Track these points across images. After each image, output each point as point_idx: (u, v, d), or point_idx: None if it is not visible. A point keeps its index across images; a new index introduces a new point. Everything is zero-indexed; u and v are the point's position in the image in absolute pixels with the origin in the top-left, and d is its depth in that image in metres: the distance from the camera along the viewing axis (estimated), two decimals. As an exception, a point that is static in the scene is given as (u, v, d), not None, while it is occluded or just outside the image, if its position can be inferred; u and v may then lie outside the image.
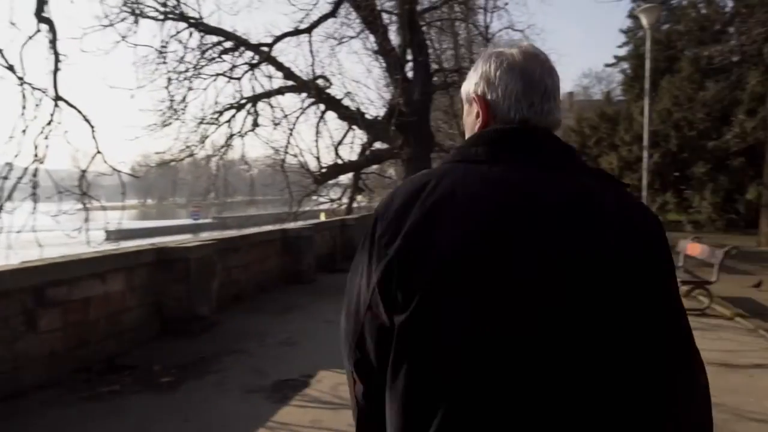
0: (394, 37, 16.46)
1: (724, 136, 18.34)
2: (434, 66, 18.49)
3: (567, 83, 76.73)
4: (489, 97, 1.04)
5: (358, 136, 17.72)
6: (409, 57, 16.67)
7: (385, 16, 16.02)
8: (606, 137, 22.07)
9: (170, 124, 14.46)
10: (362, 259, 1.00)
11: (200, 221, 39.81)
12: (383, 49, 15.87)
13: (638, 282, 0.89)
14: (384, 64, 16.43)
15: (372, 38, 16.26)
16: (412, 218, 0.93)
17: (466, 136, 1.10)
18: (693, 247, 7.53)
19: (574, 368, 0.86)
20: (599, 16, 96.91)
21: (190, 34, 14.04)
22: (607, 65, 62.94)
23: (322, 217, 17.93)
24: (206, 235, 11.89)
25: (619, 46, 59.33)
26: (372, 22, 15.26)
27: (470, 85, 1.09)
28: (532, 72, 1.03)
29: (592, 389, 0.86)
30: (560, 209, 0.91)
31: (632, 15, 63.17)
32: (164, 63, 13.67)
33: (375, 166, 20.49)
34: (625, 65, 60.47)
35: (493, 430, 0.85)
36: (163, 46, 13.43)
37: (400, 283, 0.91)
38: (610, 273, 0.87)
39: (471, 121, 1.09)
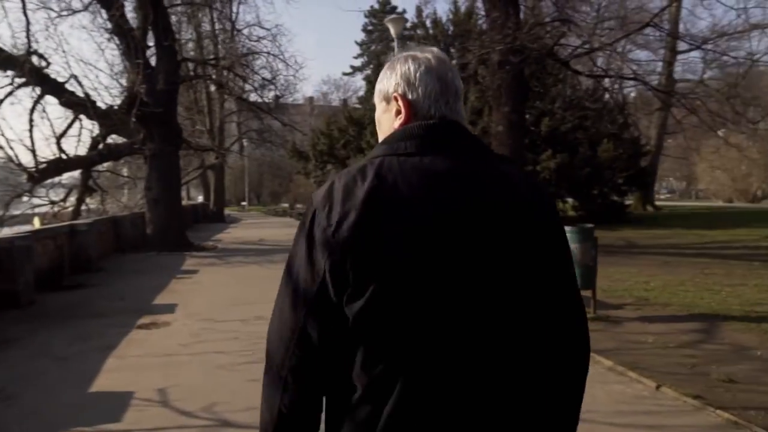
0: (133, 16, 14.43)
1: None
2: (181, 56, 16.83)
3: (308, 88, 79.25)
4: (410, 97, 1.13)
5: (88, 127, 15.12)
6: (151, 42, 14.84)
7: (121, -11, 13.89)
8: (353, 140, 23.00)
9: None
10: (300, 253, 1.04)
11: None
12: (119, 28, 13.76)
13: (546, 232, 1.07)
14: (121, 46, 14.25)
15: (105, 13, 13.98)
16: (357, 210, 0.98)
17: (382, 133, 1.18)
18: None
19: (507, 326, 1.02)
20: (337, 26, 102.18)
21: None
22: (345, 74, 67.21)
23: (37, 223, 14.78)
24: None
25: (355, 57, 63.88)
26: (105, -7, 13.09)
27: (389, 85, 1.17)
28: (445, 75, 1.14)
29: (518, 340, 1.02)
30: (485, 188, 1.05)
31: (366, 29, 67.75)
32: None
33: (109, 163, 17.84)
34: (360, 74, 65.01)
35: (447, 394, 0.98)
36: None
37: (353, 272, 0.97)
38: (529, 230, 1.04)
39: (389, 118, 1.17)
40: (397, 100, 1.14)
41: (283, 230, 22.28)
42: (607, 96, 21.01)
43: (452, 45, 23.96)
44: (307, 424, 1.06)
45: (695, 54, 20.09)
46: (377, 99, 1.21)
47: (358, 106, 31.29)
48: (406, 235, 0.97)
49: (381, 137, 1.17)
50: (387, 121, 1.17)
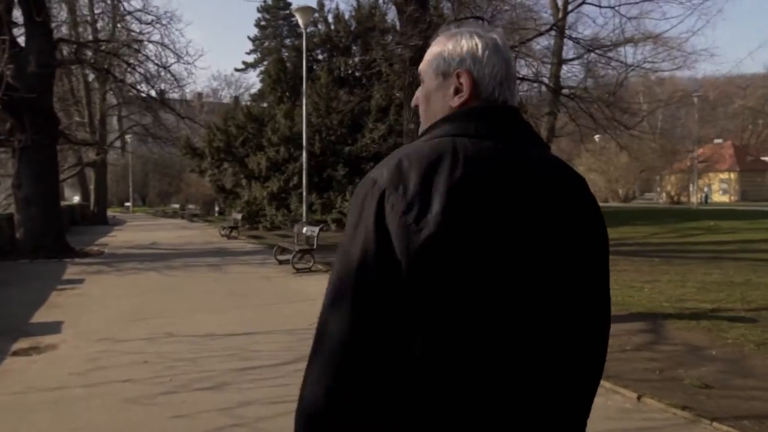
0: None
1: (358, 142, 20.15)
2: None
3: (197, 84, 75.46)
4: (476, 75, 1.05)
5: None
6: (20, 20, 12.93)
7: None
8: (253, 137, 21.81)
9: None
10: (364, 239, 0.93)
11: None
12: (-22, -1, 11.79)
13: (600, 227, 1.06)
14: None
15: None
16: (443, 195, 0.91)
17: (430, 110, 1.10)
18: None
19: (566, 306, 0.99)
20: (228, 21, 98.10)
21: None
22: (238, 70, 64.67)
23: None
24: None
25: (248, 53, 61.80)
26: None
27: (452, 58, 1.07)
28: (509, 58, 1.08)
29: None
30: (555, 179, 1.01)
31: (259, 25, 66.14)
32: None
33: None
34: (254, 71, 63.08)
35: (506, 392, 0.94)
36: None
37: (438, 262, 0.90)
38: (589, 224, 1.03)
39: (444, 95, 1.08)
40: (459, 77, 1.06)
41: (176, 232, 20.63)
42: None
43: (355, 41, 23.56)
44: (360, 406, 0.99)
45: (574, 63, 20.98)
46: (430, 71, 1.10)
47: (251, 103, 29.92)
48: (495, 225, 0.93)
49: (427, 113, 1.11)
50: (441, 98, 1.08)
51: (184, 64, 28.80)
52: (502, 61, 1.05)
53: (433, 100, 1.10)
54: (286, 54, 25.35)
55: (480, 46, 1.05)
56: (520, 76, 17.23)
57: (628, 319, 5.97)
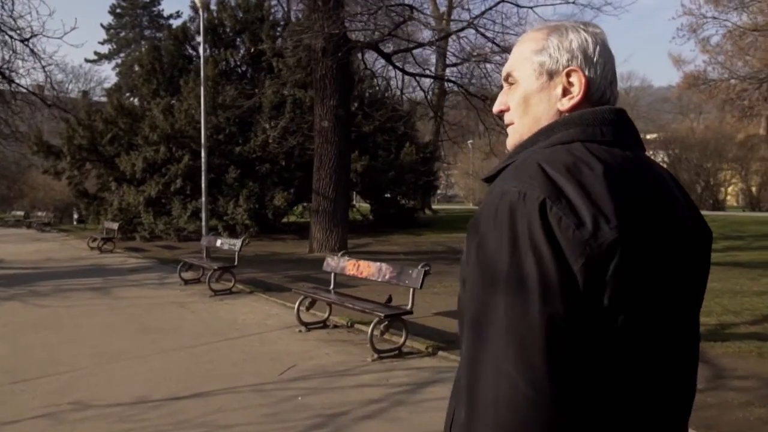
0: None
1: (251, 141, 18.31)
2: None
3: (38, 74, 66.81)
4: (588, 75, 0.97)
5: None
6: None
7: None
8: (124, 135, 18.95)
9: None
10: (539, 260, 0.79)
11: None
12: None
13: (709, 239, 1.01)
14: None
15: None
16: (609, 203, 0.81)
17: (529, 114, 0.99)
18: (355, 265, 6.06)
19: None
20: (75, 4, 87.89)
21: None
22: (89, 61, 58.07)
23: None
24: None
25: (102, 43, 55.92)
26: None
27: (559, 56, 0.97)
28: (613, 55, 1.01)
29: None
30: (680, 189, 0.98)
31: (114, 12, 60.22)
32: None
33: None
34: (108, 63, 57.13)
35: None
36: None
37: (617, 282, 0.80)
38: (706, 237, 1.00)
39: (549, 97, 0.98)
40: (569, 76, 0.96)
41: (28, 246, 17.19)
42: (406, 98, 20.88)
43: (240, 33, 21.54)
44: None
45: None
46: (529, 70, 0.99)
47: (103, 99, 26.53)
48: (657, 233, 0.85)
49: (525, 118, 1.00)
50: (545, 101, 0.98)
51: (53, 37, 24.55)
52: (612, 60, 0.98)
53: (533, 102, 0.99)
54: (163, 42, 22.62)
55: (590, 41, 0.97)
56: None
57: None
